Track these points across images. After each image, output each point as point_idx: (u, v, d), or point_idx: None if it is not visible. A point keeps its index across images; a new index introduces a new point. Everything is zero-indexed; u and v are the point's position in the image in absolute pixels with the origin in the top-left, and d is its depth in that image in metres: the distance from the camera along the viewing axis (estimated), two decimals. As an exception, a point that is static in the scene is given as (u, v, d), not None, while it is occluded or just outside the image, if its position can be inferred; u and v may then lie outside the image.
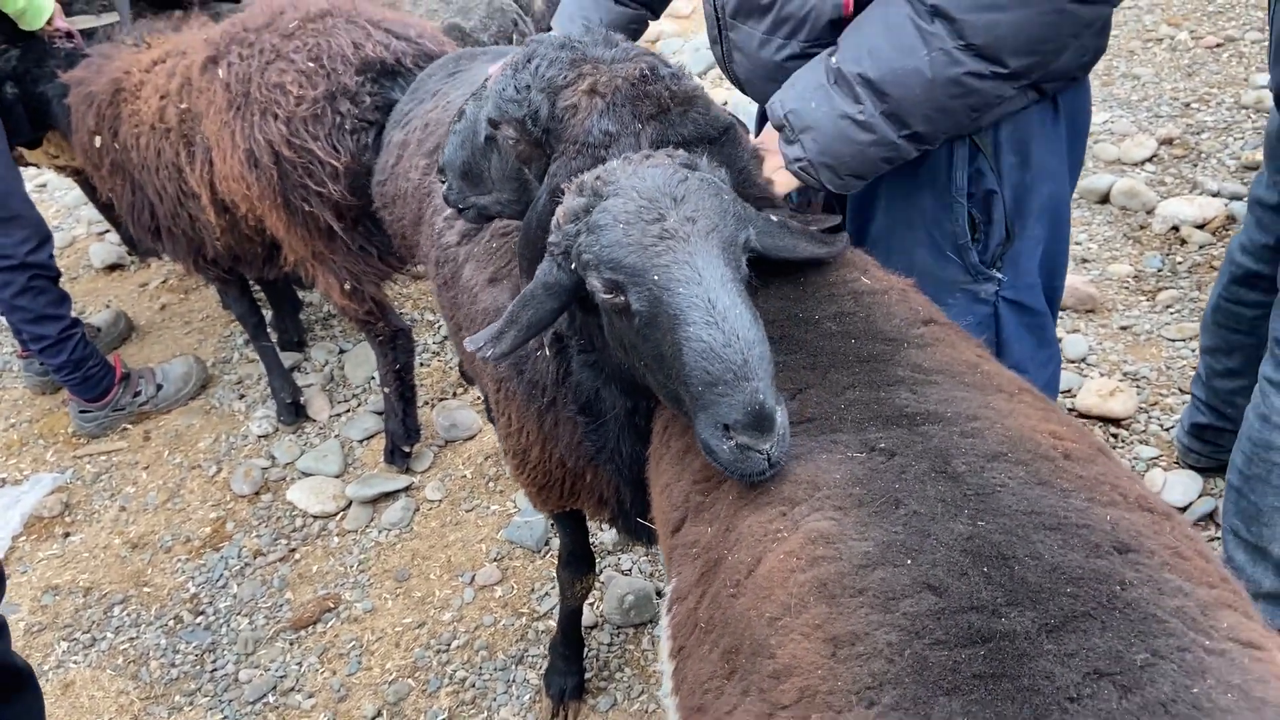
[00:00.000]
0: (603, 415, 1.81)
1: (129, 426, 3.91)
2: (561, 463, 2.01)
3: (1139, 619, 1.01)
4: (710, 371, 1.25)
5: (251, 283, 3.78)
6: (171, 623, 3.11)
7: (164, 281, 4.86)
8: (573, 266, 1.42)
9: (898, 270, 1.69)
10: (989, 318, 1.86)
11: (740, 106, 4.55)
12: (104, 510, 3.58)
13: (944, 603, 1.06)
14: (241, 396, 4.03)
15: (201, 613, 3.14)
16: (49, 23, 3.41)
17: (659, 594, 2.90)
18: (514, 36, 3.47)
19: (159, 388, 3.95)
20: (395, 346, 3.29)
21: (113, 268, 5.03)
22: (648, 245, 1.30)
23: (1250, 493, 2.15)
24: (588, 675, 2.69)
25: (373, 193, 2.72)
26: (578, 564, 2.49)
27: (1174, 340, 3.36)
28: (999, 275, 1.82)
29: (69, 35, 3.50)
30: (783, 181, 1.70)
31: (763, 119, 2.04)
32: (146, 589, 3.24)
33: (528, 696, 2.70)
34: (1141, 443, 3.04)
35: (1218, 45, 4.95)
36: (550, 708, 2.63)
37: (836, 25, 1.67)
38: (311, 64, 2.76)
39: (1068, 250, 1.97)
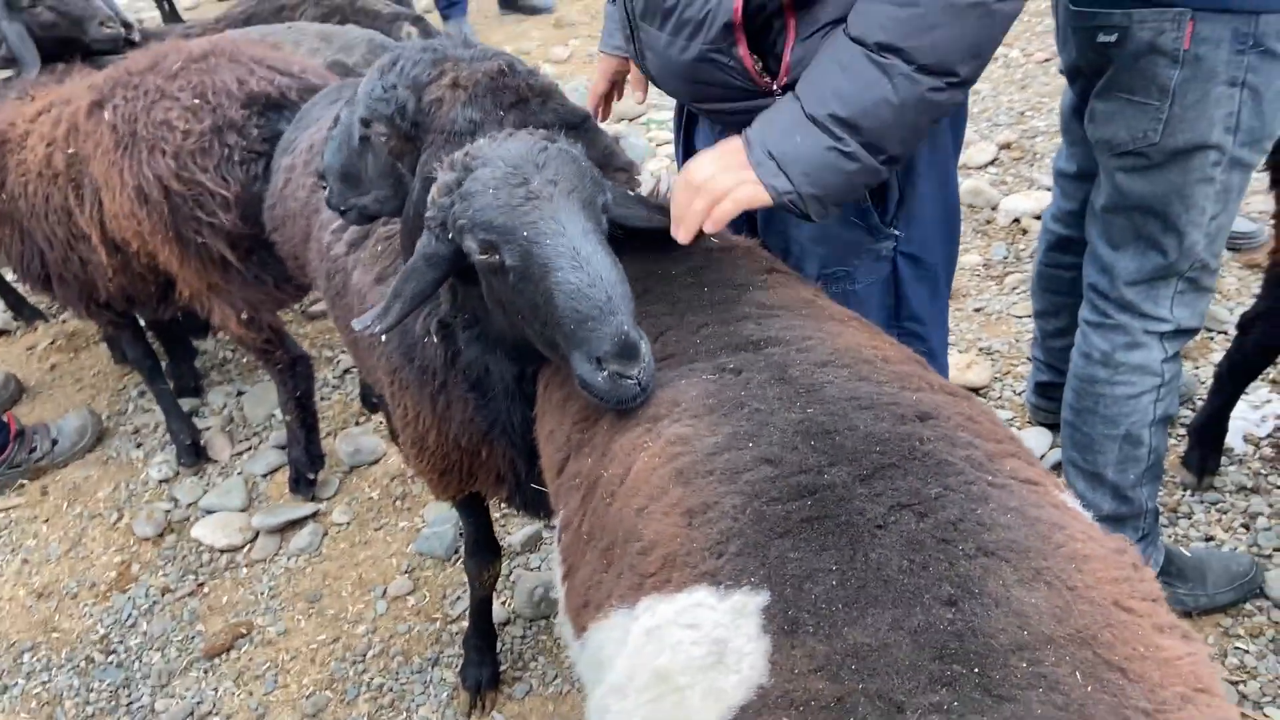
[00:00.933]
0: (491, 390, 1.95)
1: (25, 483, 3.87)
2: (457, 443, 2.13)
3: (934, 464, 1.22)
4: (580, 310, 1.43)
5: (145, 330, 3.82)
6: (83, 663, 3.10)
7: (52, 343, 4.82)
8: (449, 236, 1.58)
9: (813, 239, 1.90)
10: (889, 275, 2.05)
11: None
12: (6, 564, 3.53)
13: (778, 470, 1.25)
14: (139, 445, 4.03)
15: (113, 652, 3.13)
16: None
17: (566, 586, 3.02)
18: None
19: (54, 442, 3.93)
20: (295, 374, 3.38)
21: (-1, 333, 4.97)
22: (515, 206, 1.48)
23: (1082, 425, 2.41)
24: (503, 667, 2.80)
25: (264, 218, 2.83)
26: (483, 553, 2.61)
27: (1021, 317, 3.68)
28: (896, 232, 1.98)
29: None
30: (745, 197, 1.69)
31: (681, 111, 2.23)
32: (55, 634, 3.22)
33: (445, 694, 2.79)
34: (998, 408, 3.33)
35: (1046, 60, 5.43)
36: (468, 700, 2.73)
37: (729, 29, 1.76)
38: (196, 100, 2.88)
39: (959, 212, 2.18)
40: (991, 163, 4.65)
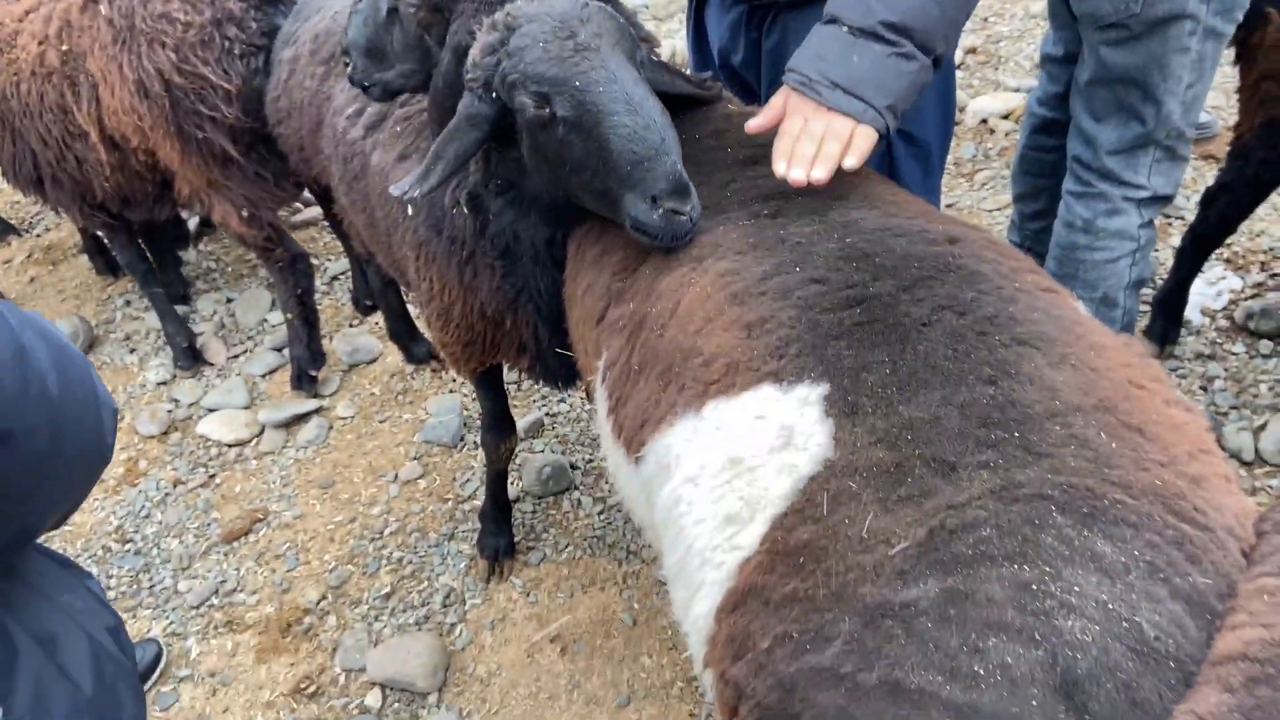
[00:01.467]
0: (520, 256, 2.06)
1: (20, 388, 3.91)
2: (482, 313, 2.24)
3: (966, 275, 1.37)
4: (636, 151, 1.55)
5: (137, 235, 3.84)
6: (100, 552, 3.20)
7: (29, 256, 4.80)
8: (494, 95, 1.68)
9: None
10: (885, 152, 2.19)
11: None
12: (8, 466, 3.59)
13: (826, 287, 1.39)
14: (132, 350, 4.08)
15: (129, 540, 3.24)
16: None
17: (573, 466, 3.19)
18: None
19: (46, 348, 3.95)
20: (295, 271, 3.45)
21: (-30, 250, 4.92)
22: (566, 58, 1.58)
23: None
24: (516, 539, 2.96)
25: (267, 111, 2.87)
26: (499, 427, 2.74)
27: (991, 210, 3.87)
28: None
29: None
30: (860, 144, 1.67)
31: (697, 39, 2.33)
32: (67, 529, 3.31)
33: (463, 564, 2.95)
34: (972, 293, 3.52)
35: (1007, -33, 5.55)
36: (486, 567, 2.89)
37: None
38: (194, -8, 2.89)
39: (954, 96, 2.30)
40: (958, 66, 4.78)
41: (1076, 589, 1.07)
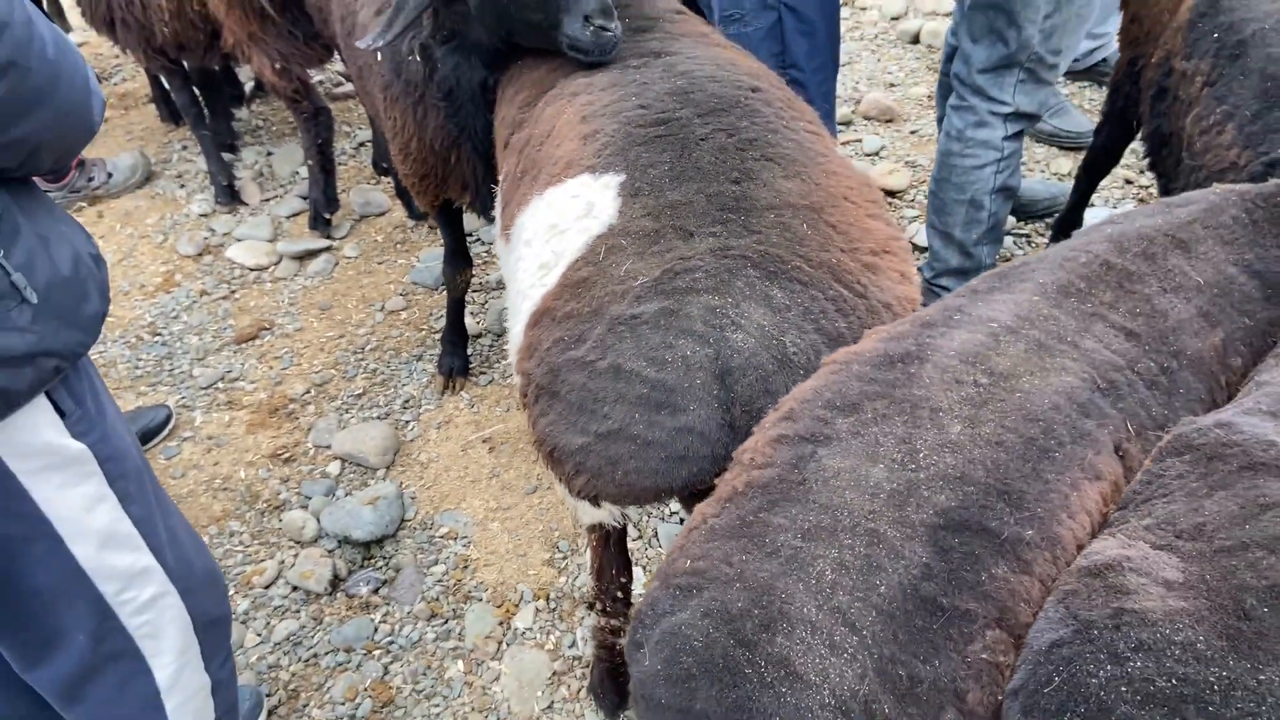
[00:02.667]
0: (460, 98, 2.53)
1: (84, 205, 4.52)
2: (433, 148, 2.68)
3: (749, 111, 1.84)
4: None
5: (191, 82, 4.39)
6: (134, 340, 3.81)
7: (105, 101, 5.38)
8: None
9: None
10: (775, 23, 2.66)
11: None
12: (66, 267, 4.20)
13: (647, 112, 1.87)
14: (182, 186, 4.66)
15: (158, 334, 3.84)
16: None
17: (531, 313, 3.69)
18: None
19: (110, 175, 4.55)
20: (318, 122, 3.97)
21: (53, 88, 5.52)
22: None
23: (939, 191, 3.02)
24: (472, 366, 3.49)
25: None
26: (457, 260, 3.24)
27: (947, 139, 4.25)
28: None
29: None
30: None
31: None
32: (109, 319, 3.92)
33: (425, 379, 3.49)
34: (909, 208, 3.93)
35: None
36: (442, 382, 3.43)
37: None
38: None
39: None
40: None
41: (747, 316, 1.55)
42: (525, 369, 1.74)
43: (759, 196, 1.68)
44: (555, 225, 1.80)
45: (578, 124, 1.93)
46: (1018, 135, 2.89)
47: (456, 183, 2.79)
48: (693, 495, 1.57)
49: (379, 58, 2.67)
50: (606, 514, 2.01)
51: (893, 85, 4.70)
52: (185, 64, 4.21)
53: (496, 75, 2.41)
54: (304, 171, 4.64)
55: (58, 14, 5.76)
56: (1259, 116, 2.18)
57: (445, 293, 3.85)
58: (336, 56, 3.98)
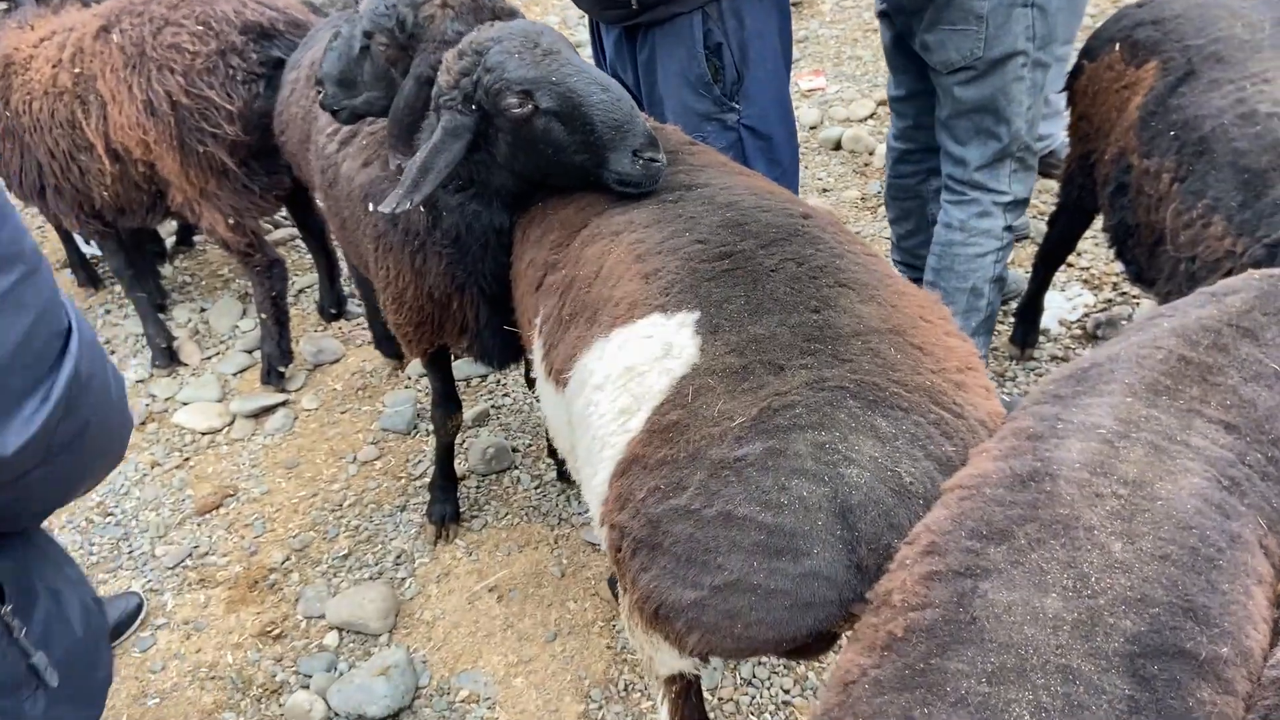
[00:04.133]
0: (469, 244, 2.49)
1: (6, 381, 4.23)
2: (431, 296, 2.63)
3: (810, 238, 1.85)
4: (615, 118, 2.04)
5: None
6: (83, 524, 3.53)
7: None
8: (473, 106, 2.13)
9: (674, 109, 2.56)
10: (735, 143, 2.76)
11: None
12: (-5, 448, 3.90)
13: (706, 247, 1.86)
14: (112, 353, 4.42)
15: (110, 514, 3.57)
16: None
17: (514, 449, 3.60)
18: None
19: (32, 346, 4.28)
20: (271, 275, 3.85)
21: (-46, 259, 5.23)
22: (538, 62, 2.06)
23: (939, 281, 3.11)
24: (461, 510, 3.35)
25: (274, 124, 3.32)
26: (447, 404, 3.14)
27: (890, 238, 4.40)
28: (737, 106, 2.72)
29: (-52, 17, 3.88)
30: None
31: (591, 24, 2.93)
32: (52, 500, 3.63)
33: (414, 530, 3.33)
34: (871, 313, 4.03)
35: (922, 41, 6.21)
36: (434, 531, 3.28)
37: None
38: (200, 27, 3.35)
39: (789, 100, 2.92)
40: (870, 116, 5.40)
41: (857, 449, 1.52)
42: (617, 522, 1.66)
43: (842, 324, 1.68)
44: (631, 368, 1.75)
45: (633, 263, 1.91)
46: (1011, 228, 3.03)
47: (454, 329, 2.72)
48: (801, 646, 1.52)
49: (369, 208, 2.62)
50: (690, 663, 1.92)
51: (825, 190, 4.88)
52: (119, 226, 4.05)
53: (513, 220, 2.39)
54: (242, 324, 4.49)
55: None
56: (1246, 205, 2.32)
57: (417, 437, 3.74)
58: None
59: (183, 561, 3.32)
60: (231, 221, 3.64)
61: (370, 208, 2.59)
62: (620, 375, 1.77)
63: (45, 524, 3.30)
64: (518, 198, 2.33)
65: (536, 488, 3.44)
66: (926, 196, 3.48)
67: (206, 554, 3.35)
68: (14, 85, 3.66)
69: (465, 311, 2.64)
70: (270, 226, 5.16)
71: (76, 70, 3.51)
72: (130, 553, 3.40)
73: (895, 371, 1.63)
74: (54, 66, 3.57)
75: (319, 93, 2.61)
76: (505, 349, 2.74)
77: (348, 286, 4.51)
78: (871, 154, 5.03)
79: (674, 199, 2.10)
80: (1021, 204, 3.04)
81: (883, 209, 4.60)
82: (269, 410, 3.95)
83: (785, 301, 1.71)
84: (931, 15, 2.80)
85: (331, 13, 3.97)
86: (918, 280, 3.62)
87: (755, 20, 2.74)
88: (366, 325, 4.20)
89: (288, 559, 3.28)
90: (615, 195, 2.18)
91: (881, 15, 3.22)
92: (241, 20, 3.38)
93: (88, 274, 4.89)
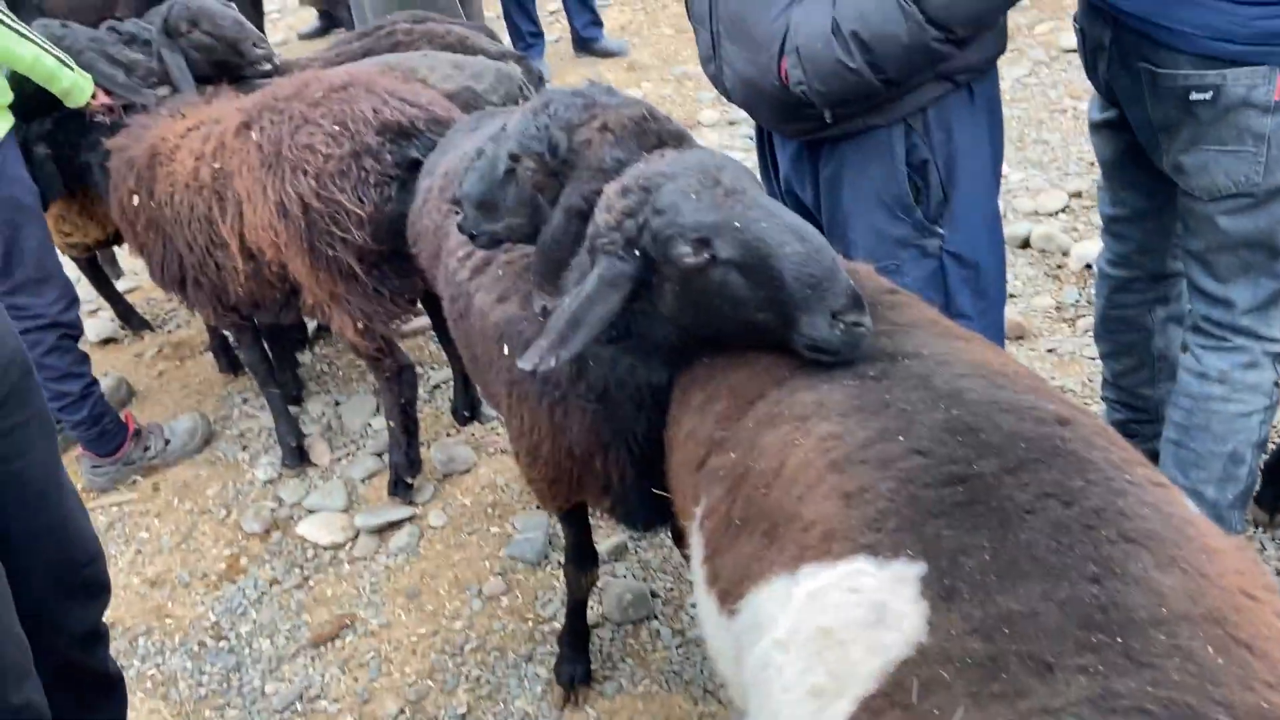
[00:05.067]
0: (620, 400, 2.11)
1: (138, 479, 4.11)
2: (570, 453, 2.27)
3: (1075, 462, 1.37)
4: (813, 274, 1.63)
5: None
6: (196, 648, 3.30)
7: (159, 351, 5.09)
8: (636, 253, 1.76)
9: (863, 233, 2.13)
10: (936, 272, 2.31)
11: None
12: (120, 554, 3.75)
13: (928, 460, 1.40)
14: (245, 448, 4.26)
15: (224, 637, 3.33)
16: (93, 97, 3.75)
17: (653, 594, 3.18)
18: (519, 100, 3.89)
19: (167, 442, 4.16)
20: (401, 381, 3.59)
21: (107, 341, 5.25)
22: (719, 204, 1.67)
23: (1190, 442, 2.54)
24: (593, 666, 2.95)
25: (408, 232, 3.05)
26: (582, 560, 2.77)
27: (1093, 358, 3.79)
28: (941, 231, 2.27)
29: (109, 109, 3.82)
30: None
31: (760, 135, 2.54)
32: (168, 620, 3.43)
33: (539, 688, 2.95)
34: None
35: (1116, 118, 5.58)
36: (562, 695, 2.88)
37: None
38: (337, 127, 3.12)
39: (1000, 219, 2.48)
40: (1063, 210, 4.80)
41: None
42: None
43: (1135, 603, 1.18)
44: (829, 631, 1.31)
45: (827, 471, 1.47)
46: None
47: (595, 487, 2.34)
48: None
49: (504, 350, 2.28)
50: None
51: (1012, 296, 4.30)
52: (256, 320, 3.88)
53: (672, 376, 1.99)
54: (375, 423, 4.26)
55: (109, 261, 5.57)
56: None
57: (549, 570, 3.37)
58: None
59: (292, 704, 3.03)
60: (361, 326, 3.39)
61: (504, 350, 2.25)
62: (812, 638, 1.33)
63: (159, 646, 3.09)
64: (681, 352, 1.94)
65: (679, 647, 3.00)
66: (1152, 329, 2.92)
67: (317, 697, 3.05)
68: (159, 176, 3.55)
69: (609, 471, 2.25)
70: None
71: (216, 165, 3.35)
72: (240, 687, 3.14)
73: (1217, 686, 1.12)
74: (197, 160, 3.43)
75: (456, 212, 2.29)
76: (652, 513, 2.34)
77: (483, 387, 4.23)
78: (1066, 254, 4.44)
79: (876, 374, 1.65)
80: None
81: (1082, 320, 4.02)
82: (394, 526, 3.66)
83: (1050, 562, 1.24)
84: (1191, 133, 2.28)
85: (494, 100, 3.74)
86: (1135, 423, 3.05)
87: (966, 131, 2.29)
88: (502, 433, 3.89)
89: (401, 711, 2.95)
90: (798, 360, 1.76)
91: (1103, 126, 2.71)
92: (379, 120, 3.14)
93: (229, 360, 4.78)
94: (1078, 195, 4.88)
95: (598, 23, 7.69)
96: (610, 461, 2.23)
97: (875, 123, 2.24)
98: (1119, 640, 1.15)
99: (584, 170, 2.01)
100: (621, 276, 1.77)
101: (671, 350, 1.94)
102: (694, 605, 3.04)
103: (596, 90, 2.09)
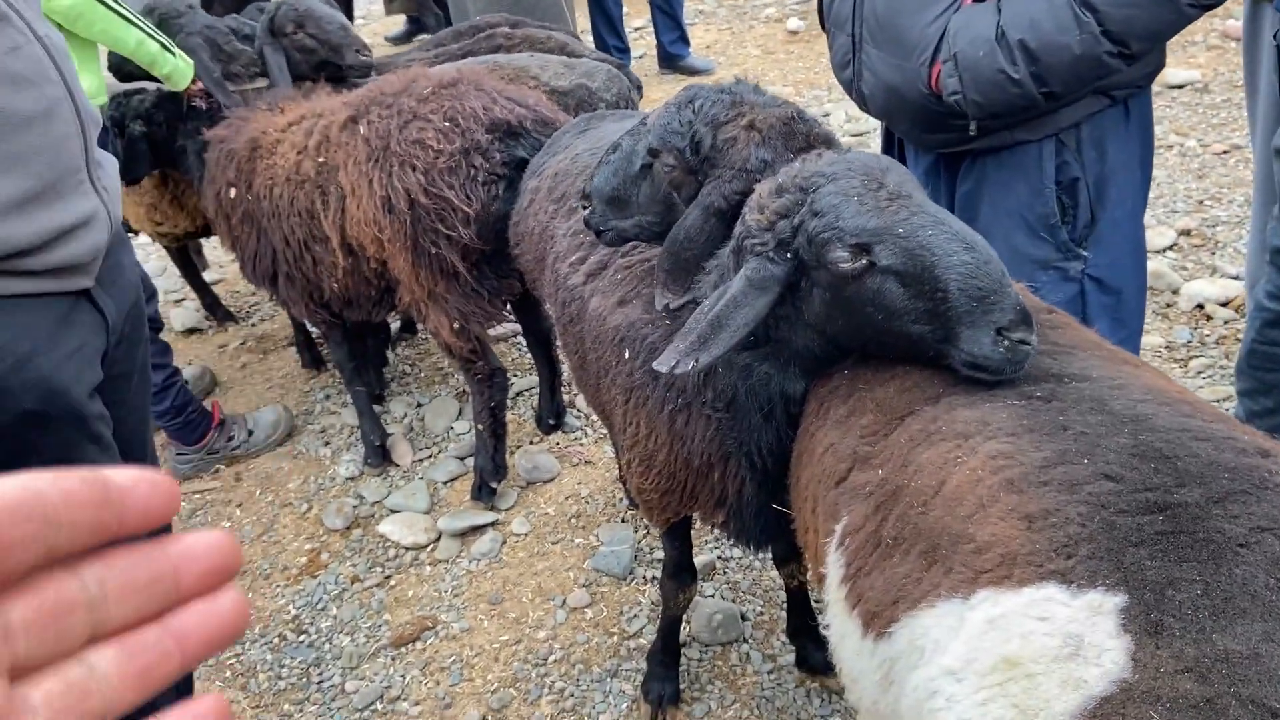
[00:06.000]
0: (747, 410, 2.03)
1: (221, 468, 4.12)
2: (688, 463, 2.19)
3: (1287, 494, 1.26)
4: (980, 287, 1.53)
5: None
6: (276, 640, 3.27)
7: (242, 343, 5.13)
8: (788, 255, 1.68)
9: (1000, 253, 2.05)
10: (1076, 297, 2.20)
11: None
12: (201, 541, 3.74)
13: (1121, 486, 1.30)
14: (327, 444, 4.25)
15: (304, 632, 3.30)
16: (193, 82, 3.78)
17: (743, 617, 3.09)
18: (629, 100, 3.86)
19: (250, 433, 4.17)
20: (492, 384, 3.55)
21: (191, 331, 5.30)
22: (883, 208, 1.58)
23: None
24: (681, 687, 2.86)
25: (509, 233, 3.01)
26: (682, 575, 2.68)
27: (1210, 399, 3.64)
28: (1086, 254, 2.15)
29: (207, 94, 3.86)
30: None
31: (888, 137, 2.44)
32: (250, 611, 3.40)
33: (624, 705, 2.86)
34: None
35: (1224, 151, 5.40)
36: (650, 713, 2.79)
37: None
38: (447, 123, 3.10)
39: (1145, 245, 2.36)
40: (1170, 247, 4.63)
41: None
42: None
43: (1369, 649, 1.08)
44: (1015, 662, 1.21)
45: (1003, 491, 1.37)
46: None
47: (709, 500, 2.25)
48: None
49: (625, 355, 2.21)
50: None
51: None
52: (345, 318, 3.87)
53: (807, 388, 1.91)
54: (458, 426, 4.23)
55: (197, 252, 5.63)
56: None
57: (634, 584, 3.29)
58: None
59: (372, 704, 2.98)
60: (457, 326, 3.36)
61: (625, 354, 2.18)
62: (994, 668, 1.23)
63: (240, 636, 3.09)
64: (821, 362, 1.86)
65: (770, 672, 2.90)
66: None
67: (398, 698, 3.00)
68: (258, 169, 3.56)
69: (727, 484, 2.16)
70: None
71: (320, 159, 3.35)
72: (320, 683, 3.09)
73: None
74: (299, 153, 3.44)
75: (584, 207, 2.24)
76: (768, 530, 2.25)
77: (567, 395, 4.18)
78: (1176, 293, 4.27)
79: (1043, 395, 1.56)
80: None
81: (1195, 361, 3.86)
82: (477, 530, 3.61)
83: (1270, 601, 1.13)
84: None
85: (606, 98, 3.70)
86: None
87: (1118, 151, 2.18)
88: (586, 443, 3.84)
89: (483, 719, 2.88)
90: (952, 377, 1.67)
91: None
92: (490, 118, 3.12)
93: (312, 355, 4.80)
94: (1186, 234, 4.71)
95: (684, 40, 7.67)
96: (730, 474, 2.14)
97: (1024, 138, 2.15)
98: (1354, 691, 1.05)
99: (726, 169, 1.95)
100: (771, 280, 1.69)
101: (812, 360, 1.86)
102: (785, 630, 2.94)
103: (744, 88, 2.02)
